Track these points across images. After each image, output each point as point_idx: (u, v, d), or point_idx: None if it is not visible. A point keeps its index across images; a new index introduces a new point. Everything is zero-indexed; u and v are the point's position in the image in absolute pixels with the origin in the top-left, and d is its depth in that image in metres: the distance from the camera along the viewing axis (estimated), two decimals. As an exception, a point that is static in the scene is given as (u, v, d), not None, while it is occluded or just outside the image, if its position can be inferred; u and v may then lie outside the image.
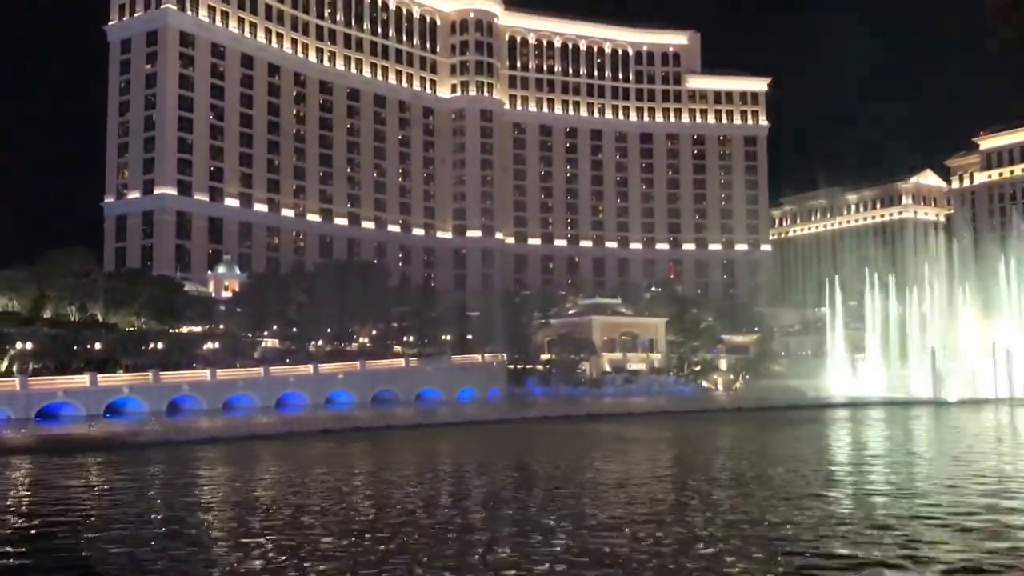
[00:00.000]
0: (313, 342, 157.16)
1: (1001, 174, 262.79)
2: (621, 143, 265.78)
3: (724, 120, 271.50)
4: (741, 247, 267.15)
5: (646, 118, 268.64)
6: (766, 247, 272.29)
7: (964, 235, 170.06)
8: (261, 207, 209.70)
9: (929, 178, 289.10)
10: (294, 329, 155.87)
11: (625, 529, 29.10)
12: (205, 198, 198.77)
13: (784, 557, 24.77)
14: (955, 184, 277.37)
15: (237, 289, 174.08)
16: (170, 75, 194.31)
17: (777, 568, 23.68)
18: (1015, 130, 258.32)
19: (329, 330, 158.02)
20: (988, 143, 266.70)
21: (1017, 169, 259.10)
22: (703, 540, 27.28)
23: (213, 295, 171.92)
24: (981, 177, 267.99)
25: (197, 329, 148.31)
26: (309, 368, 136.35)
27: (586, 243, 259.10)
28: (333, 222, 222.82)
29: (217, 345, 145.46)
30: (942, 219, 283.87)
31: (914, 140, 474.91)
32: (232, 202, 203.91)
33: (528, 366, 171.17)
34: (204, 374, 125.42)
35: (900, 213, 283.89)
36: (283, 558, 25.55)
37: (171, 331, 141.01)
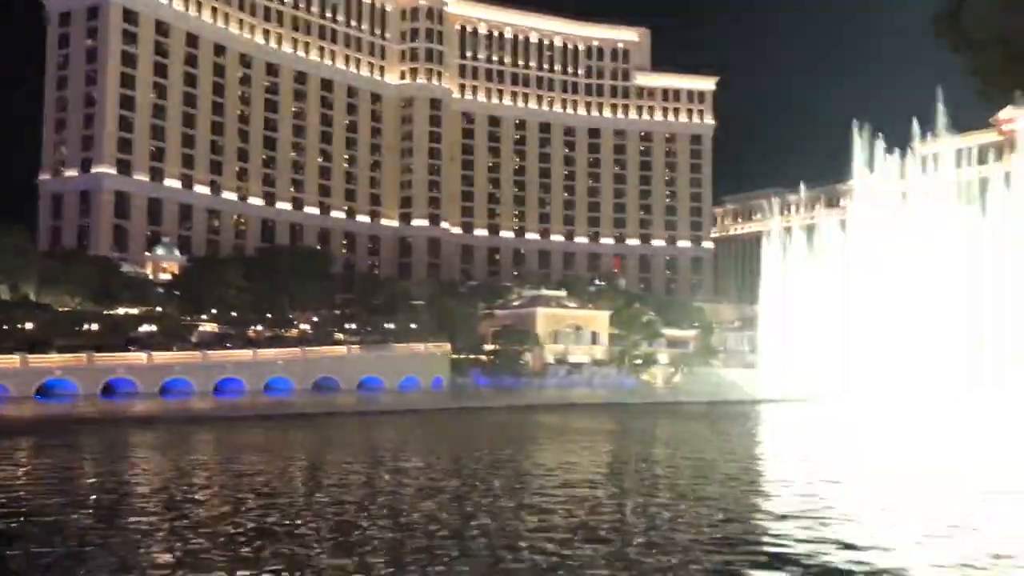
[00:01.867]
0: (253, 327, 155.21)
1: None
2: (569, 137, 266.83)
3: (671, 118, 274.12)
4: (684, 244, 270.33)
5: (594, 113, 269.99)
6: (708, 244, 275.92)
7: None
8: (202, 189, 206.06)
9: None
10: (233, 314, 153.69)
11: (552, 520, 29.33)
12: (145, 178, 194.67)
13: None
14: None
15: (176, 272, 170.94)
16: (111, 51, 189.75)
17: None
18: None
19: (270, 316, 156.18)
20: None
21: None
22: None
23: (151, 277, 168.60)
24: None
25: (134, 311, 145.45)
26: (248, 353, 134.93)
27: (532, 235, 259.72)
28: (276, 206, 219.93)
29: (154, 328, 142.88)
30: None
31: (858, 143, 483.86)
32: (173, 183, 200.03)
33: (472, 356, 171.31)
34: (140, 357, 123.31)
35: (841, 214, 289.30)
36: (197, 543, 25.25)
37: (107, 313, 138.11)
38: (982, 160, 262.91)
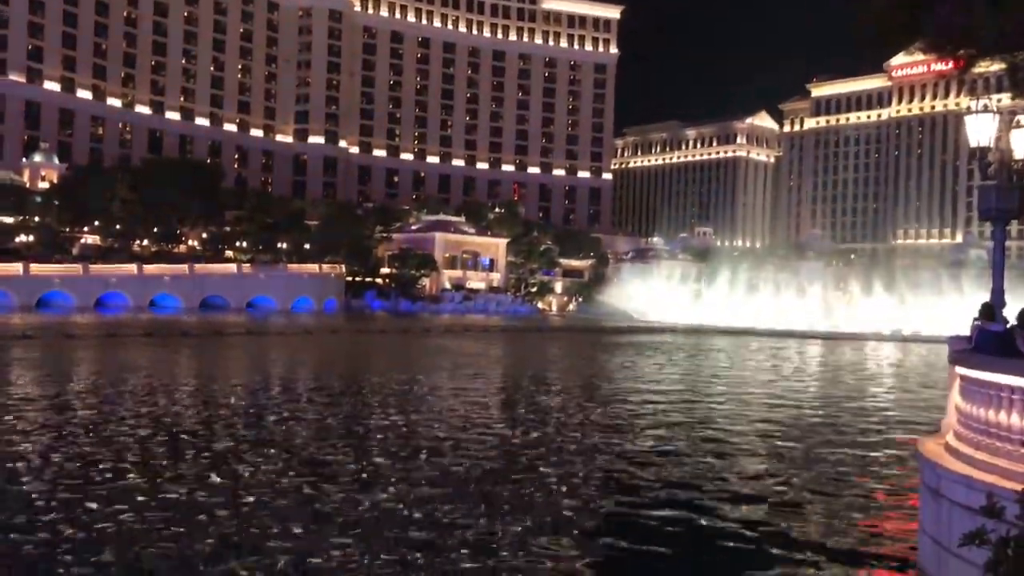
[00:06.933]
0: (138, 242, 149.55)
1: (828, 121, 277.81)
2: (474, 59, 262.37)
3: (576, 45, 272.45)
4: (584, 174, 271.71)
5: (500, 35, 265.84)
6: (607, 176, 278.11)
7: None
8: (85, 93, 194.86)
9: (764, 120, 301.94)
10: (118, 226, 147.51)
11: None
12: (21, 79, 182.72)
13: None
14: (787, 128, 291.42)
15: (55, 180, 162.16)
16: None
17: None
18: (845, 80, 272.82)
19: (156, 230, 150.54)
20: (819, 91, 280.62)
21: (843, 118, 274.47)
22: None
23: (28, 185, 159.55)
24: (810, 123, 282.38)
25: (9, 220, 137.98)
26: (133, 268, 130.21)
27: (433, 158, 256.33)
28: (164, 116, 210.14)
29: (32, 238, 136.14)
30: (772, 160, 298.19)
31: (758, 81, 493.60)
32: (52, 86, 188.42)
33: (367, 279, 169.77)
34: (16, 268, 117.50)
35: (734, 152, 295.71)
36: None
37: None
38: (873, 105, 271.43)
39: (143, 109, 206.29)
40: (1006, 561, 5.79)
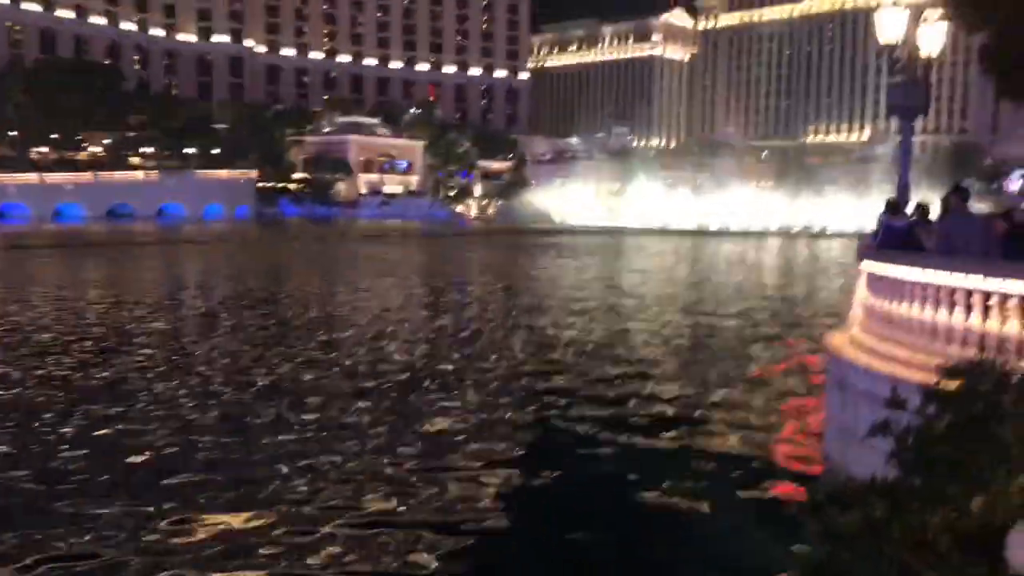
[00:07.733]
0: (36, 149, 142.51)
1: (742, 18, 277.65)
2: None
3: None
4: (500, 73, 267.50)
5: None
6: (524, 75, 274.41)
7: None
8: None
9: (681, 17, 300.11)
10: (13, 133, 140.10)
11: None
12: None
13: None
14: (702, 24, 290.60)
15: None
16: None
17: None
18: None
19: (54, 136, 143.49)
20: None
21: (757, 15, 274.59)
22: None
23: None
24: (725, 19, 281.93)
25: None
26: (34, 176, 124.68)
27: (344, 57, 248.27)
28: (56, 13, 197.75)
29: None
30: (687, 58, 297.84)
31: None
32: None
33: (280, 184, 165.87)
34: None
35: (651, 50, 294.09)
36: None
37: None
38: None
39: (33, 6, 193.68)
40: (906, 450, 6.03)
